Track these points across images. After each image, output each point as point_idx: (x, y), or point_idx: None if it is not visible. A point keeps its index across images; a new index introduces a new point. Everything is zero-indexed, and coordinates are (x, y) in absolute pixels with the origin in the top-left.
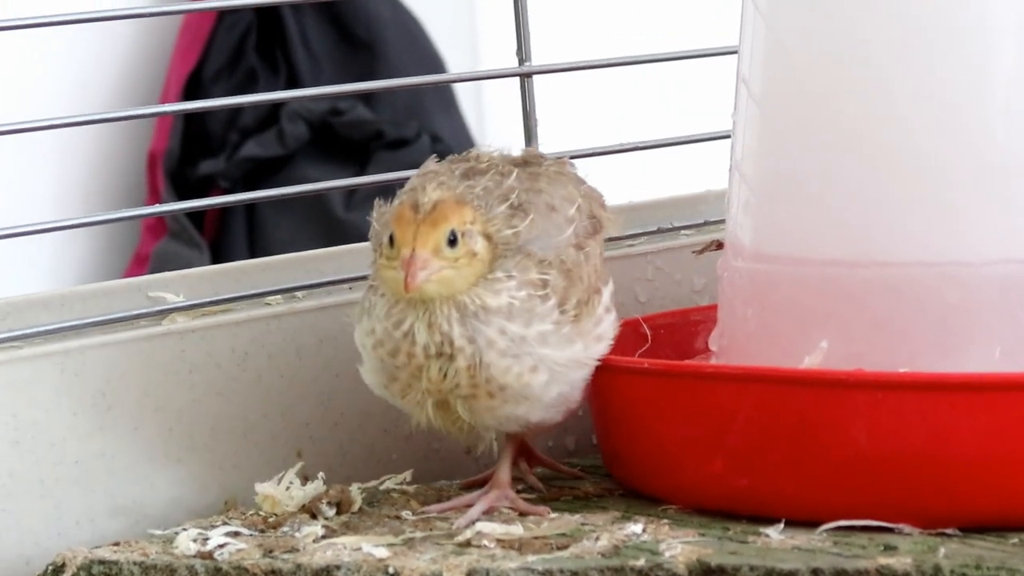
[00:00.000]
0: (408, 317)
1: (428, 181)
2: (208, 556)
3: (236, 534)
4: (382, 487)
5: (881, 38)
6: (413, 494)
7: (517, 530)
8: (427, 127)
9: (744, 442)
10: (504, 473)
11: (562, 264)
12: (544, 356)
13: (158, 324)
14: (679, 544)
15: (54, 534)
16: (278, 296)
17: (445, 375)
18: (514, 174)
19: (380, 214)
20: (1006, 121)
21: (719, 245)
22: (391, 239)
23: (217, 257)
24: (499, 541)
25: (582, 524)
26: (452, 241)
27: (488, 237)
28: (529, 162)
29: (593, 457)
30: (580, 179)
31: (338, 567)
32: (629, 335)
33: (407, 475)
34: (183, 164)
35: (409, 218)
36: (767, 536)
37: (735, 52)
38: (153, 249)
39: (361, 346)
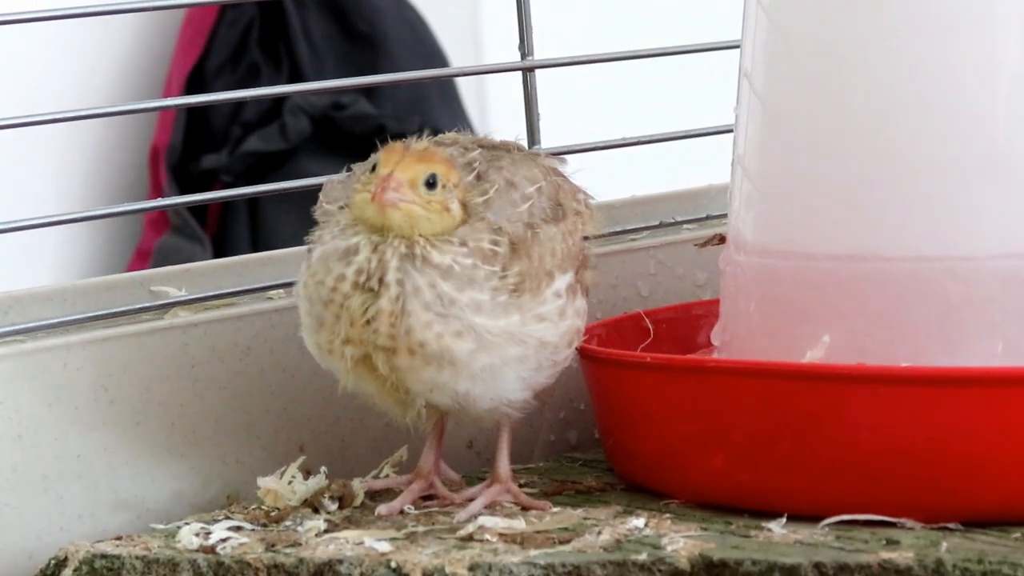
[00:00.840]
0: (358, 236)
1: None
2: (210, 550)
3: (238, 528)
4: (381, 475)
5: (883, 33)
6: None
7: (519, 524)
8: (429, 121)
9: (746, 436)
10: (504, 467)
11: (508, 235)
12: (474, 323)
13: (160, 318)
14: (681, 538)
15: (56, 528)
16: (280, 290)
17: (367, 319)
18: (477, 151)
19: (328, 190)
20: (1008, 116)
21: (721, 239)
22: (374, 168)
23: (219, 251)
24: (501, 535)
25: (584, 518)
26: (431, 184)
27: (464, 205)
28: (498, 148)
29: (595, 451)
30: (554, 169)
31: (340, 561)
32: (631, 329)
33: (402, 452)
34: (185, 159)
35: (398, 149)
36: (769, 530)
37: (737, 46)
38: (155, 244)
39: (296, 294)
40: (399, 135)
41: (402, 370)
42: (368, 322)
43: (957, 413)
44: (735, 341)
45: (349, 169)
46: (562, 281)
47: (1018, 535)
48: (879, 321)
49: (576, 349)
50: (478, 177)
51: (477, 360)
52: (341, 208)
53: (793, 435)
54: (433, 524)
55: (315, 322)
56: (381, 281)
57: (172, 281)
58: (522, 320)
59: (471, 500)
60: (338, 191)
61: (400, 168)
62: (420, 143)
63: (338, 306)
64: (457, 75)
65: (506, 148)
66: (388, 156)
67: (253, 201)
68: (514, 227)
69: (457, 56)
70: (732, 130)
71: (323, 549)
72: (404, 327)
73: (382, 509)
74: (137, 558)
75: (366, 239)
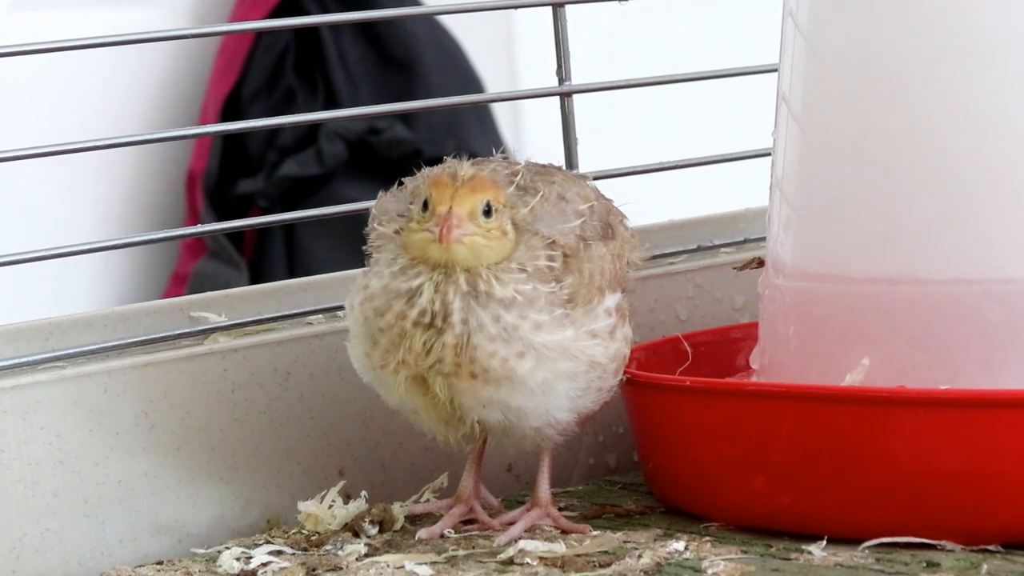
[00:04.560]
0: (421, 276)
1: (452, 164)
2: (251, 575)
3: (279, 553)
4: (422, 500)
5: (923, 56)
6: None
7: (559, 548)
8: (465, 146)
9: (786, 459)
10: (544, 491)
11: (561, 248)
12: (534, 342)
13: (200, 344)
14: (721, 561)
15: (98, 553)
16: (320, 315)
17: (428, 350)
18: (520, 165)
19: (382, 205)
20: None
21: (760, 263)
22: (424, 204)
23: (256, 276)
24: (542, 559)
25: (624, 542)
26: (487, 212)
27: (515, 225)
28: (546, 167)
29: (635, 475)
30: (601, 194)
31: None
32: (670, 353)
33: (443, 479)
34: (222, 184)
35: (447, 183)
36: (810, 553)
37: (775, 70)
38: (192, 268)
39: (349, 308)
40: (435, 159)
41: (460, 391)
42: (429, 351)
43: (997, 435)
44: (774, 364)
45: (400, 183)
46: (612, 300)
47: None
48: (918, 344)
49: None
50: (519, 188)
51: (535, 376)
52: (397, 232)
53: (833, 458)
54: (473, 548)
55: (369, 341)
56: (445, 319)
57: (212, 307)
58: (575, 335)
59: (511, 524)
60: (391, 205)
61: (457, 203)
62: (465, 169)
63: (397, 336)
64: (495, 100)
65: (553, 168)
66: (440, 191)
67: (289, 226)
68: (566, 239)
69: (492, 80)
70: (770, 154)
71: (364, 573)
72: (468, 357)
73: (422, 533)
74: None
75: (428, 280)
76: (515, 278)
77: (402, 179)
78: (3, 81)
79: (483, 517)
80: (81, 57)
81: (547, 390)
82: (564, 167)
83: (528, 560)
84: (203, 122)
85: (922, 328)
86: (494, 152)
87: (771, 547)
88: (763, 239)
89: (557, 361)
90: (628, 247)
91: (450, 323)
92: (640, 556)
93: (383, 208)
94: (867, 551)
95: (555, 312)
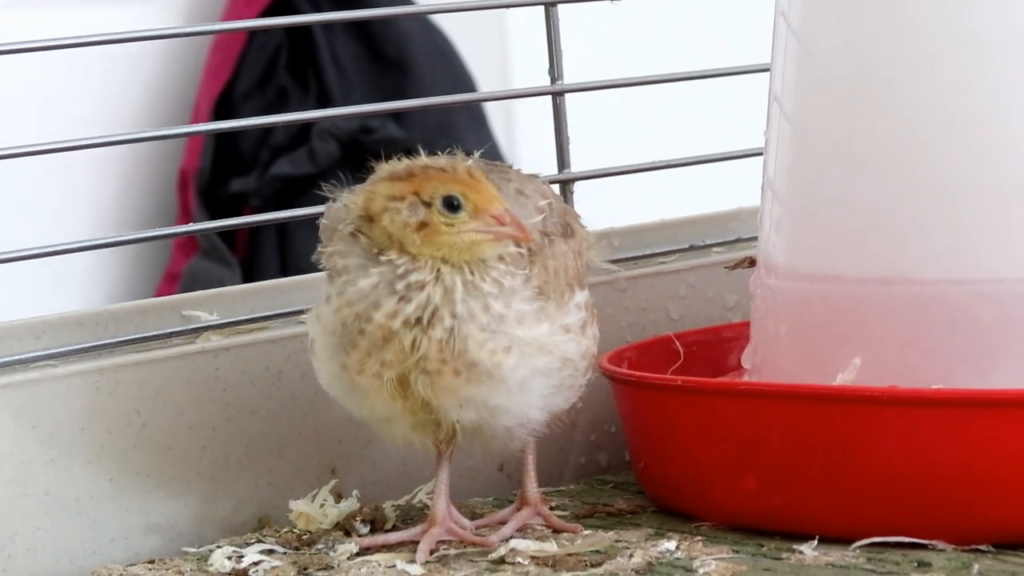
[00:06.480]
0: (425, 272)
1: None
2: (243, 574)
3: (270, 551)
4: (415, 501)
5: (915, 56)
6: None
7: (551, 547)
8: (457, 145)
9: (777, 459)
10: (532, 490)
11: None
12: (517, 337)
13: (192, 342)
14: (713, 561)
15: (89, 552)
16: None
17: (414, 347)
18: (470, 160)
19: (333, 215)
20: None
21: (751, 262)
22: (451, 204)
23: (248, 275)
24: (533, 558)
25: (616, 541)
26: None
27: None
28: (498, 164)
29: (626, 474)
30: (556, 194)
31: None
32: (662, 352)
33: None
34: (214, 182)
35: (470, 179)
36: (801, 553)
37: (767, 70)
38: (184, 267)
39: (315, 318)
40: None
41: (441, 389)
42: (415, 348)
43: (988, 435)
44: (765, 364)
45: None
46: (581, 296)
47: None
48: (910, 344)
49: (603, 374)
50: None
51: (516, 373)
52: (354, 234)
53: (824, 457)
54: (464, 547)
55: (344, 350)
56: (435, 313)
57: (203, 305)
58: (550, 330)
59: (502, 523)
60: (343, 214)
61: (501, 198)
62: (460, 162)
63: (381, 338)
64: (487, 99)
65: (505, 167)
66: (477, 190)
67: (282, 224)
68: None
69: (485, 79)
70: (762, 153)
71: (355, 572)
72: (456, 349)
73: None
74: None
75: (432, 276)
76: (498, 266)
77: (350, 189)
78: None
79: (467, 536)
80: (74, 56)
81: (524, 387)
82: (555, 165)
83: (519, 559)
84: (195, 121)
85: (913, 328)
86: (480, 151)
87: (762, 547)
88: (755, 239)
89: (534, 356)
90: (586, 246)
91: (439, 317)
92: (631, 555)
93: (334, 217)
94: (858, 551)
95: (533, 304)
